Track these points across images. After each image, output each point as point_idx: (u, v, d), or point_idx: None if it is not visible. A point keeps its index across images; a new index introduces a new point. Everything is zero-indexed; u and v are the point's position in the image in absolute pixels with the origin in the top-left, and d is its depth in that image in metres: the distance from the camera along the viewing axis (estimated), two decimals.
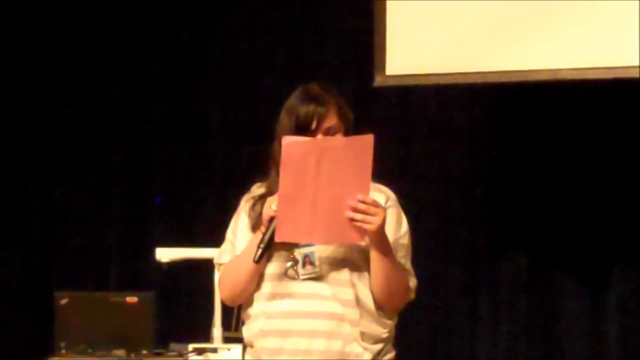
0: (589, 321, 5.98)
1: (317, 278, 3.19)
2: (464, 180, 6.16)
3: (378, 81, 5.60)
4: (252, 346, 3.29)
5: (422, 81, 5.74)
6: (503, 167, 6.14)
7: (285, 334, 3.21)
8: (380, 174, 3.30)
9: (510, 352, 6.04)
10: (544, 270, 5.99)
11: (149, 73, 6.72)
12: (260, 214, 3.23)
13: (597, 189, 5.92)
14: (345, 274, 3.20)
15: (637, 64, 5.34)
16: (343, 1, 6.21)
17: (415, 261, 3.64)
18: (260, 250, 3.13)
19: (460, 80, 5.71)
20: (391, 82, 5.66)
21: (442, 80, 5.71)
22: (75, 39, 6.79)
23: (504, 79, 5.62)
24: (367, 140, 3.07)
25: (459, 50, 5.65)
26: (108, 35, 6.79)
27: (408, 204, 5.02)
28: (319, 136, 3.23)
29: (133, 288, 5.43)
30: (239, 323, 3.52)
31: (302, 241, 3.17)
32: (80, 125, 6.68)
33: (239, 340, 4.50)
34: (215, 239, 4.02)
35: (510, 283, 6.05)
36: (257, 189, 3.33)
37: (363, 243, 3.14)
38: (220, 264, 3.34)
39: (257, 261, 3.15)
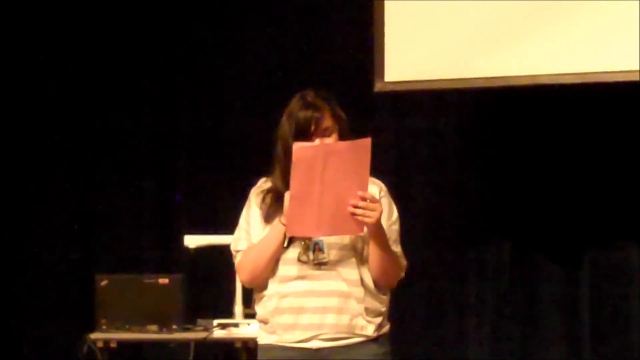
0: (563, 298, 5.97)
1: (326, 262, 3.24)
2: (453, 175, 6.13)
3: (378, 87, 5.61)
4: (266, 322, 3.33)
5: (418, 87, 5.73)
6: (489, 164, 6.10)
7: (299, 310, 3.25)
8: (378, 168, 3.37)
9: (494, 327, 6.02)
10: (524, 254, 5.99)
11: (176, 84, 6.65)
12: (270, 205, 3.29)
13: (571, 184, 5.89)
14: (350, 258, 3.25)
15: (618, 69, 5.33)
16: (347, 13, 6.14)
17: (408, 245, 3.73)
18: (287, 240, 3.22)
19: (452, 85, 5.70)
20: (390, 88, 5.65)
21: (436, 86, 5.70)
22: (98, 42, 6.69)
23: (491, 84, 5.59)
24: (365, 144, 3.11)
25: (453, 57, 5.61)
26: (131, 38, 6.70)
27: (403, 195, 5.15)
28: (317, 138, 3.27)
29: (164, 271, 5.41)
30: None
31: (310, 235, 3.21)
32: (117, 129, 6.61)
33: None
34: (234, 228, 4.23)
35: (494, 264, 6.03)
36: (264, 184, 3.37)
37: (362, 233, 3.21)
38: (238, 251, 3.38)
39: (287, 247, 3.23)
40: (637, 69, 5.25)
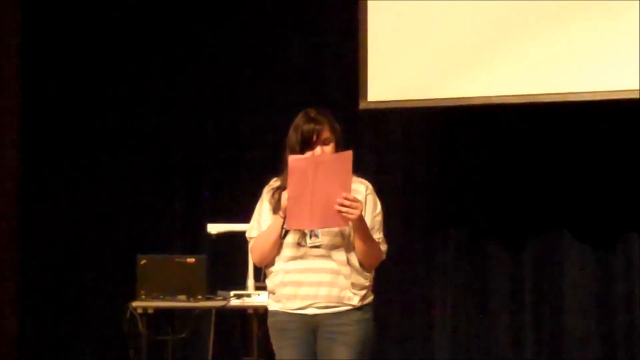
0: (510, 276, 5.98)
1: (320, 246, 3.29)
2: (423, 177, 6.15)
3: (362, 105, 5.65)
4: (274, 293, 3.38)
5: (394, 105, 5.75)
6: (451, 168, 6.10)
7: (298, 284, 3.31)
8: (364, 170, 3.55)
9: (455, 299, 6.06)
10: (478, 239, 6.03)
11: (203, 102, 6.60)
12: (278, 200, 3.30)
13: (517, 181, 5.90)
14: (339, 243, 3.29)
15: (584, 90, 5.26)
16: (340, 49, 6.10)
17: (387, 232, 3.74)
18: (283, 230, 3.27)
19: (424, 104, 5.70)
20: (371, 106, 5.69)
21: (409, 105, 5.72)
22: (135, 45, 6.61)
23: (456, 104, 5.59)
24: (348, 155, 3.19)
25: (425, 82, 5.59)
26: (161, 46, 6.60)
27: (384, 192, 5.17)
28: (318, 147, 3.29)
29: (191, 252, 5.37)
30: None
31: (304, 228, 3.25)
32: (155, 135, 6.63)
33: (265, 288, 4.66)
34: (249, 217, 4.24)
35: (454, 247, 6.07)
36: (275, 182, 3.41)
37: (347, 227, 3.26)
38: (251, 237, 3.42)
39: (283, 237, 3.28)
40: (576, 90, 5.28)
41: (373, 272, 3.39)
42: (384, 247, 3.38)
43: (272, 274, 3.36)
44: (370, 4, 5.63)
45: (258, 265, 3.49)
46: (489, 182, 6.02)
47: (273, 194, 3.38)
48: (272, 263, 3.35)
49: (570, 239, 5.86)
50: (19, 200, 6.66)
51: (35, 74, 6.73)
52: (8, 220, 6.58)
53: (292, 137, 3.33)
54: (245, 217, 4.44)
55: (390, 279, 6.00)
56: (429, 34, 5.59)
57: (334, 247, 3.30)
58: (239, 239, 4.67)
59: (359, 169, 4.45)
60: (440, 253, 6.14)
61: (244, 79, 6.52)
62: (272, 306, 3.38)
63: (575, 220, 5.86)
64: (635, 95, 5.15)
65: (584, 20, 5.30)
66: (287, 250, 3.32)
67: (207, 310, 5.35)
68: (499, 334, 6.02)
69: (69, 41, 6.72)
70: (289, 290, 3.32)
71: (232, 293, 4.99)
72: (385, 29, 5.66)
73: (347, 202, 3.15)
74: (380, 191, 5.17)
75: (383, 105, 5.76)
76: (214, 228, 5.23)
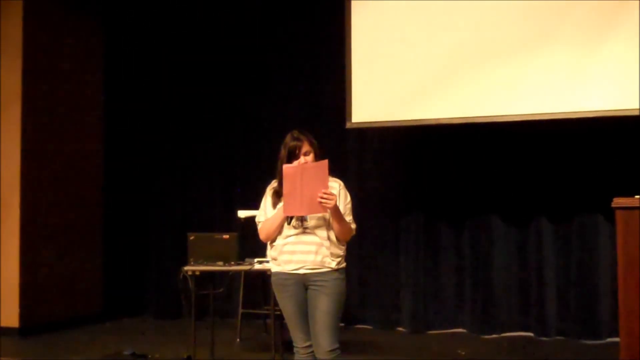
0: (455, 247, 6.07)
1: (308, 226, 3.28)
2: (393, 176, 6.18)
3: (348, 125, 5.73)
4: (275, 259, 3.34)
5: (373, 125, 5.76)
6: (413, 170, 6.11)
7: (293, 253, 3.29)
8: (340, 172, 3.51)
9: (416, 263, 6.11)
10: (431, 221, 6.10)
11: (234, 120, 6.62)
12: (273, 197, 3.32)
13: (459, 179, 5.97)
14: (321, 224, 3.27)
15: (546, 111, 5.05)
16: (332, 76, 6.05)
17: (367, 217, 3.96)
18: (288, 218, 3.25)
19: (397, 124, 5.67)
20: (355, 126, 5.74)
21: (384, 125, 5.67)
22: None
23: (422, 123, 5.51)
24: (324, 163, 3.18)
25: (398, 107, 5.55)
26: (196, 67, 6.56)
27: (364, 188, 5.30)
28: (302, 158, 3.25)
29: (227, 231, 5.12)
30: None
31: (296, 214, 3.23)
32: (202, 148, 6.72)
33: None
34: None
35: (414, 227, 6.13)
36: (274, 183, 3.36)
37: (327, 212, 3.23)
38: (259, 222, 3.38)
39: (289, 223, 3.25)
40: (534, 112, 5.10)
41: (345, 245, 3.33)
42: (353, 226, 3.34)
43: (274, 246, 3.33)
44: (354, 55, 5.71)
45: (264, 241, 3.38)
46: (439, 180, 6.12)
47: (273, 193, 3.36)
48: (274, 239, 3.32)
49: (498, 220, 5.98)
50: (104, 189, 6.80)
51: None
52: (95, 207, 6.76)
53: (282, 151, 3.30)
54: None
55: (369, 249, 6.19)
56: (396, 75, 5.54)
57: (317, 227, 3.26)
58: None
59: (349, 170, 4.68)
60: (404, 232, 6.22)
61: (265, 109, 6.55)
62: (274, 268, 3.34)
63: (500, 207, 5.96)
64: (568, 116, 5.06)
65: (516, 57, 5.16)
66: (285, 230, 3.29)
67: (238, 273, 5.37)
68: (447, 287, 6.14)
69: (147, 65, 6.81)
70: (286, 257, 3.28)
71: (255, 260, 4.96)
72: (363, 72, 5.62)
73: (325, 196, 3.15)
74: (360, 187, 5.45)
75: (363, 125, 5.80)
76: (242, 213, 5.23)
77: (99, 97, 6.71)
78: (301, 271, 3.26)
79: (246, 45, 6.58)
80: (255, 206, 5.14)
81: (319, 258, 3.26)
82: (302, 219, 3.26)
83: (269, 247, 3.39)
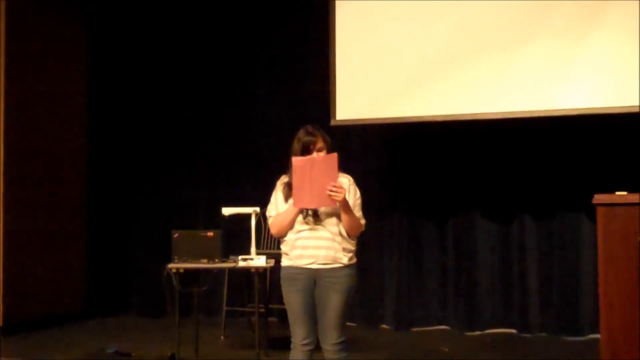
0: (439, 244, 6.11)
1: (319, 221, 3.27)
2: (377, 174, 6.12)
3: (332, 122, 5.72)
4: (287, 254, 3.32)
5: (356, 123, 5.80)
6: (397, 168, 6.12)
7: (304, 248, 3.28)
8: (348, 169, 3.45)
9: (400, 258, 6.16)
10: (416, 219, 6.16)
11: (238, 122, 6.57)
12: (284, 190, 3.31)
13: (443, 178, 5.99)
14: (332, 219, 3.27)
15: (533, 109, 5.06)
16: (316, 74, 6.04)
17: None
18: (301, 212, 3.24)
19: (379, 122, 5.67)
20: (339, 124, 5.75)
21: (367, 122, 5.71)
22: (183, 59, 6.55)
23: (403, 121, 5.54)
24: (334, 156, 3.19)
25: (380, 105, 5.59)
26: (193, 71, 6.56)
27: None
28: (314, 153, 3.25)
29: (211, 228, 5.02)
30: (279, 245, 3.43)
31: (306, 207, 3.23)
32: (202, 149, 6.68)
33: (263, 253, 4.91)
34: (249, 205, 4.65)
35: (397, 225, 6.21)
36: (284, 178, 3.37)
37: (337, 205, 3.21)
38: (270, 216, 3.36)
39: (304, 218, 3.25)
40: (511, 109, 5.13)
41: (356, 240, 3.34)
42: (363, 222, 3.35)
43: (286, 241, 3.33)
44: (338, 53, 5.74)
45: (275, 236, 3.39)
46: (423, 178, 6.13)
47: (284, 186, 3.36)
48: (285, 234, 3.33)
49: (481, 218, 6.02)
50: (87, 187, 6.76)
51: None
52: (78, 205, 6.70)
53: (295, 145, 3.29)
54: (245, 205, 4.83)
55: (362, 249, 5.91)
56: (380, 73, 5.56)
57: (329, 223, 3.27)
58: (243, 218, 4.98)
59: (346, 169, 4.19)
60: (388, 229, 6.25)
61: (250, 107, 6.55)
62: (286, 263, 3.32)
63: (484, 205, 5.99)
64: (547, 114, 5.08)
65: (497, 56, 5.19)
66: (297, 225, 3.30)
67: (222, 270, 5.37)
68: (431, 284, 6.15)
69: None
70: (298, 252, 3.28)
71: (239, 257, 4.92)
72: (348, 70, 5.66)
73: (334, 188, 3.16)
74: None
75: (348, 123, 5.84)
76: (226, 211, 5.13)
77: (82, 94, 6.68)
78: (313, 266, 3.27)
79: (231, 43, 6.60)
80: (240, 204, 5.12)
81: (331, 253, 3.26)
82: (314, 214, 3.27)
83: (281, 241, 3.38)
